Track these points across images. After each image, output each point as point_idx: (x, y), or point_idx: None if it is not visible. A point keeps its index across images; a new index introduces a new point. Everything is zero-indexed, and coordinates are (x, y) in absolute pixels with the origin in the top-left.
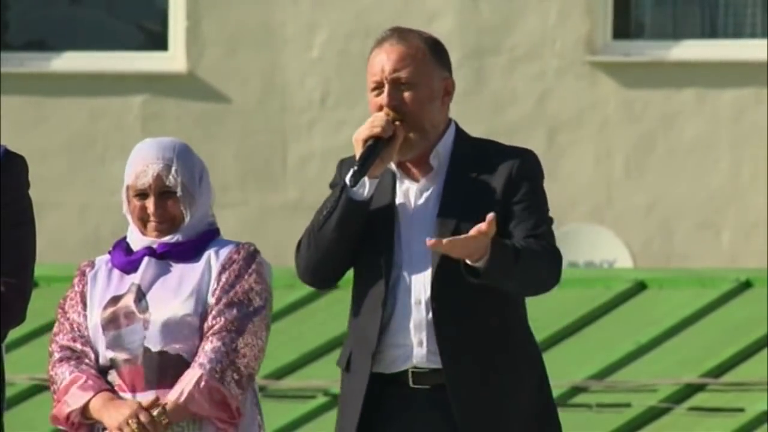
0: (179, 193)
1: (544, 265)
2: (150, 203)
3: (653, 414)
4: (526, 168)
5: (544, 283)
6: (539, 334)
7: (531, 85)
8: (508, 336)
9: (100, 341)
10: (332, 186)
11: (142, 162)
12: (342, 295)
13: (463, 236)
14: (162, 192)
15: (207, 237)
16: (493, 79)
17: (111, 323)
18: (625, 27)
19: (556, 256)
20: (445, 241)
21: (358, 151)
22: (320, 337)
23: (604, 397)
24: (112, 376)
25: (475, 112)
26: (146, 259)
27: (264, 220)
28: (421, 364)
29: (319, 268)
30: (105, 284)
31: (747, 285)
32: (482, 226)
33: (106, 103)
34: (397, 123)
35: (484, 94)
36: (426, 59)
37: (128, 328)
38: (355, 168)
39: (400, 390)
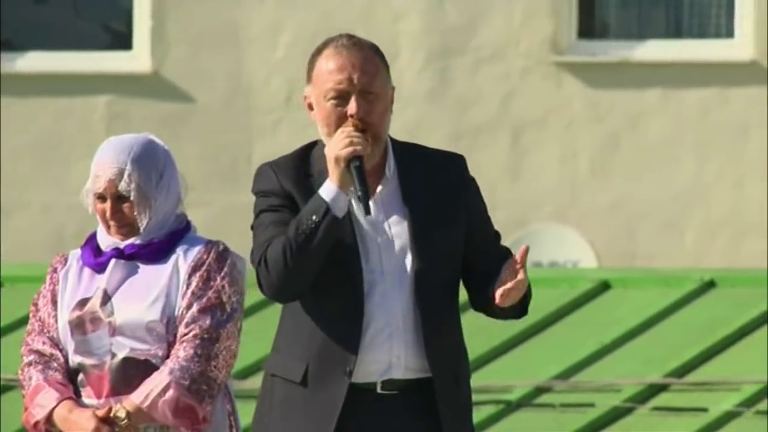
0: (133, 197)
1: None
2: (107, 207)
3: (617, 414)
4: (467, 174)
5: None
6: (504, 334)
7: (496, 85)
8: (463, 349)
9: (69, 344)
10: (263, 194)
11: (98, 166)
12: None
13: (519, 279)
14: (117, 197)
15: (177, 235)
16: (458, 79)
17: (77, 328)
18: (590, 27)
19: None
20: (513, 288)
21: (335, 169)
22: None
23: (567, 397)
24: (81, 379)
25: (440, 113)
26: (113, 261)
27: (229, 219)
28: (398, 376)
29: (294, 284)
30: (75, 284)
31: (711, 285)
32: (518, 260)
33: (71, 103)
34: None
35: (449, 94)
36: (381, 69)
37: (94, 334)
38: (360, 194)
39: (367, 396)
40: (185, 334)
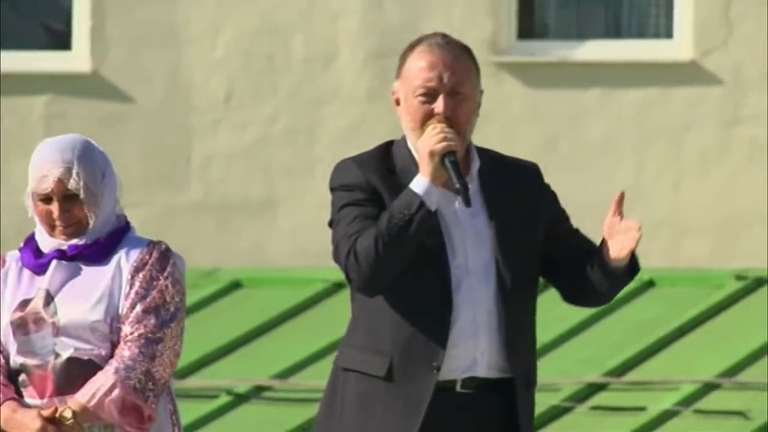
0: (82, 195)
1: None
2: (54, 208)
3: (556, 413)
4: (544, 181)
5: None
6: None
7: None
8: (535, 351)
9: (11, 345)
10: (346, 188)
11: (43, 166)
12: (245, 295)
13: (631, 225)
14: (65, 196)
15: (117, 235)
16: None
17: (20, 328)
18: (529, 27)
19: None
20: (630, 232)
21: (428, 164)
22: (223, 337)
23: None
24: (23, 379)
25: (380, 113)
26: (54, 262)
27: (168, 219)
28: (481, 374)
29: (384, 276)
30: (15, 285)
31: (650, 284)
32: (615, 209)
33: (9, 102)
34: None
35: (389, 94)
36: (472, 71)
37: (37, 334)
38: (459, 187)
39: (446, 394)
40: (130, 334)
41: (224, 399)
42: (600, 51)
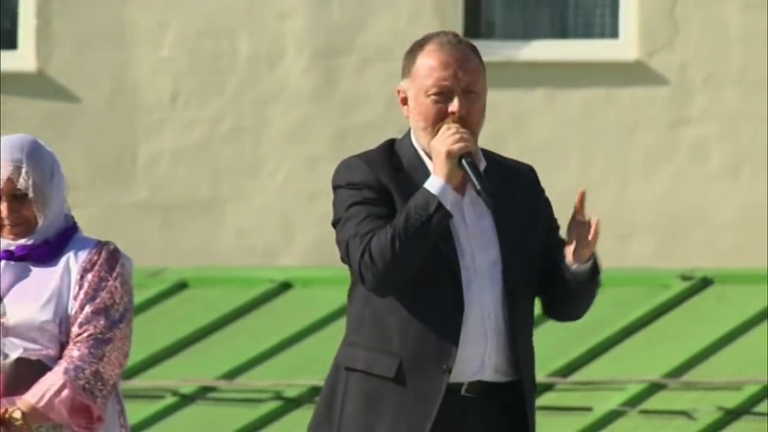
0: (31, 194)
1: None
2: (3, 207)
3: None
4: (540, 184)
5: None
6: None
7: (382, 85)
8: (534, 354)
9: None
10: (354, 186)
11: None
12: (192, 295)
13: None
14: (14, 195)
15: (65, 235)
16: (344, 79)
17: None
18: (475, 27)
19: None
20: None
21: (444, 164)
22: (169, 337)
23: None
24: None
25: (325, 113)
26: (3, 263)
27: (114, 219)
28: (487, 378)
29: (398, 276)
30: None
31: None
32: (578, 207)
33: None
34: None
35: (334, 94)
36: (481, 69)
37: None
38: (480, 187)
39: (451, 397)
40: (79, 335)
41: (170, 399)
42: (546, 51)
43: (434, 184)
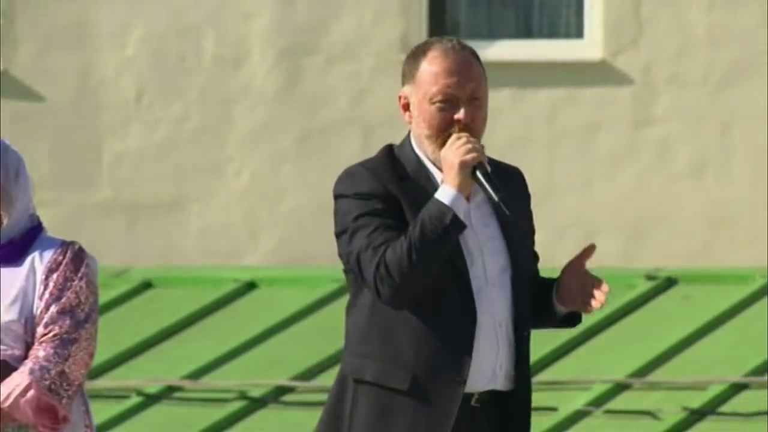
0: None
1: None
2: None
3: None
4: (528, 190)
5: None
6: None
7: (347, 84)
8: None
9: None
10: (362, 196)
11: None
12: (156, 295)
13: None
14: None
15: (31, 235)
16: (309, 78)
17: None
18: (440, 27)
19: None
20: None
21: (457, 175)
22: (134, 337)
23: None
24: None
25: (290, 112)
26: None
27: (78, 218)
28: (498, 387)
29: (415, 288)
30: None
31: None
32: (584, 261)
33: None
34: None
35: (299, 93)
36: (483, 75)
37: None
38: (498, 199)
39: (462, 407)
40: (44, 335)
41: (135, 399)
42: (511, 51)
43: (447, 194)
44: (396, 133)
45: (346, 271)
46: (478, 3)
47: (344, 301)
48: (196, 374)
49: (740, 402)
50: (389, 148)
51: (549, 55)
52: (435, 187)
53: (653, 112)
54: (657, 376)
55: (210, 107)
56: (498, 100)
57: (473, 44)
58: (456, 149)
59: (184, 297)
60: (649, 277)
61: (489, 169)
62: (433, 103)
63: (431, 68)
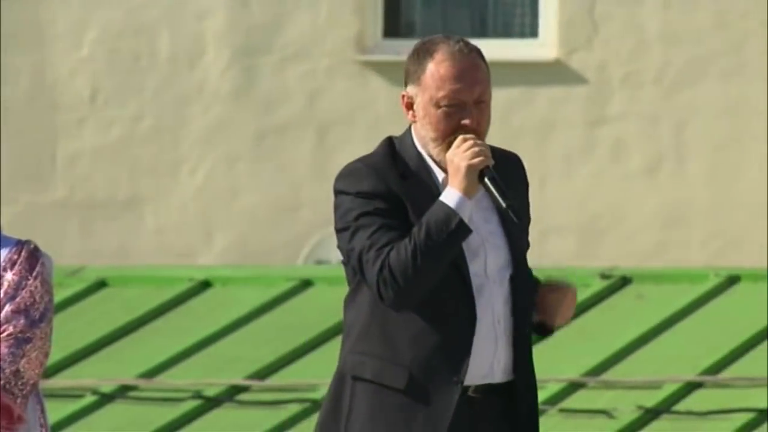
0: None
1: None
2: None
3: None
4: (527, 178)
5: None
6: (310, 332)
7: (301, 84)
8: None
9: None
10: (364, 195)
11: None
12: (111, 294)
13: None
14: None
15: None
16: (264, 77)
17: None
18: (395, 26)
19: None
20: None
21: (463, 179)
22: (89, 336)
23: None
24: None
25: (245, 111)
26: None
27: (33, 217)
28: (496, 381)
29: (419, 290)
30: None
31: None
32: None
33: None
34: None
35: (254, 92)
36: (488, 77)
37: None
38: (506, 206)
39: (460, 398)
40: None
41: (90, 399)
42: None
43: (452, 198)
44: (351, 132)
45: (344, 263)
46: (433, 2)
47: (298, 300)
48: (151, 373)
49: (695, 401)
50: (389, 143)
51: (504, 55)
52: (437, 185)
53: (608, 112)
54: (611, 375)
55: (165, 106)
56: None
57: None
58: (463, 152)
59: (139, 296)
60: (604, 276)
61: (495, 174)
62: (440, 107)
63: (438, 72)
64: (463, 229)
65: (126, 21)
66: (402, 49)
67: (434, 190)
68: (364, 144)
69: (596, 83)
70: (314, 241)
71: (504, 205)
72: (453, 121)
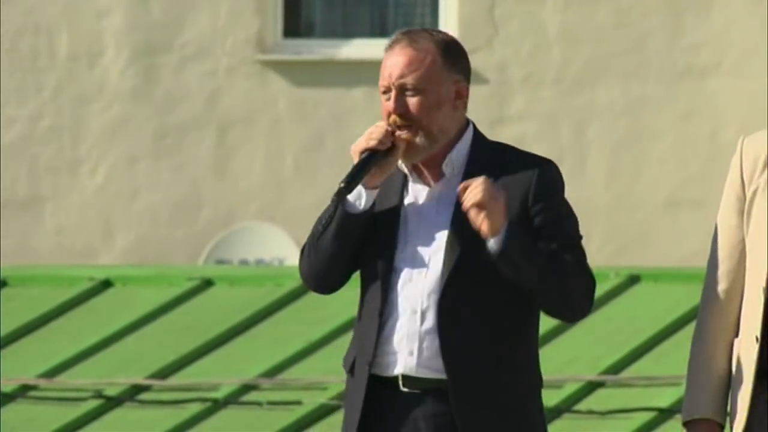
0: None
1: (575, 275)
2: None
3: (324, 411)
4: (545, 181)
5: (574, 300)
6: (211, 332)
7: (201, 83)
8: (516, 371)
9: None
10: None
11: None
12: (11, 293)
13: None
14: None
15: None
16: (164, 77)
17: None
18: (295, 26)
19: (589, 275)
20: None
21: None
22: None
23: (274, 395)
24: None
25: (145, 111)
26: None
27: None
28: (410, 373)
29: (322, 275)
30: None
31: None
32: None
33: None
34: (397, 133)
35: (154, 92)
36: (435, 63)
37: None
38: (342, 184)
39: (392, 392)
40: None
41: None
42: (366, 49)
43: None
44: (251, 131)
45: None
46: (333, 2)
47: (199, 299)
48: (51, 373)
49: (596, 400)
50: None
51: None
52: (403, 180)
53: (508, 112)
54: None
55: (64, 106)
56: (353, 99)
57: (328, 44)
58: (360, 138)
59: (39, 296)
60: None
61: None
62: (382, 93)
63: (382, 63)
64: (340, 213)
65: (24, 20)
66: (302, 48)
67: (396, 186)
68: (263, 144)
69: (496, 83)
70: (215, 240)
71: (341, 184)
72: (387, 106)
